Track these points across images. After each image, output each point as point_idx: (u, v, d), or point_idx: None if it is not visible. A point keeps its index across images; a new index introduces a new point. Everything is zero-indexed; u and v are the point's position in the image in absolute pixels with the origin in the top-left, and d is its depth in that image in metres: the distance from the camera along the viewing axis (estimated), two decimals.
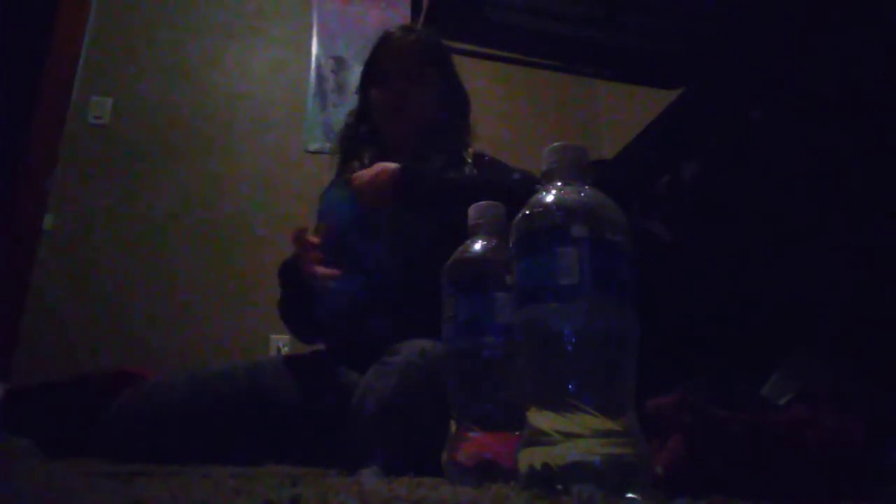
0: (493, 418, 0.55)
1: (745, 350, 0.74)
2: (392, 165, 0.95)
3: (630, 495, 0.39)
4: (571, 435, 0.41)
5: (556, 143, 0.50)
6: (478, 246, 0.61)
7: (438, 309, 0.61)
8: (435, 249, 0.67)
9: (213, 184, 2.52)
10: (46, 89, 2.45)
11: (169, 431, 0.87)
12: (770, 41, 0.92)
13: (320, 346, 1.12)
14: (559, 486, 0.39)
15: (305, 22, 2.81)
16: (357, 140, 1.18)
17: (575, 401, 0.41)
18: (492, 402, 0.56)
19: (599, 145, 2.77)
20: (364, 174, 0.97)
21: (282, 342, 2.33)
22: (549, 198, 0.47)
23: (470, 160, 1.12)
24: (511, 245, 0.49)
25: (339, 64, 2.80)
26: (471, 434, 0.55)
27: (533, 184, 0.58)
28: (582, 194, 0.47)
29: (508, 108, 2.85)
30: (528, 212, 0.48)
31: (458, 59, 1.24)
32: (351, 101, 2.66)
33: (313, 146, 2.65)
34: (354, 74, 2.75)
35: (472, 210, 0.63)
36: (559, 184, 0.48)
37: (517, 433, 0.45)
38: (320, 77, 2.77)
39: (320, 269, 0.92)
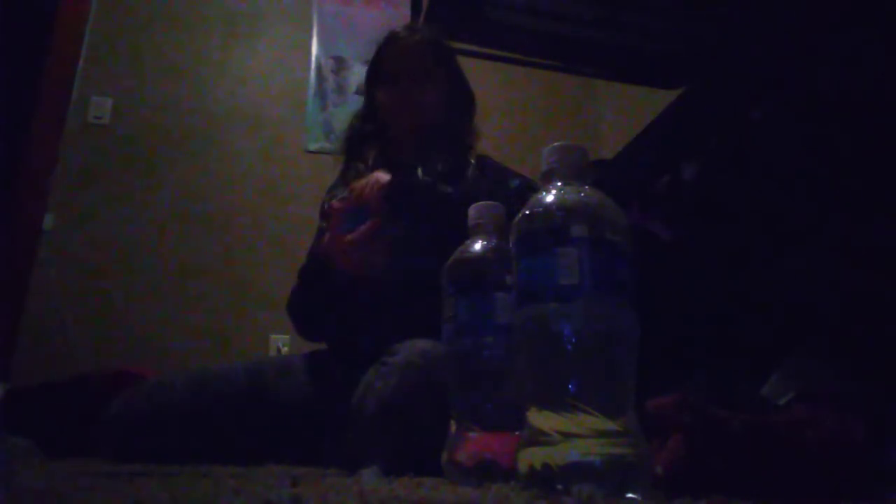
0: (493, 418, 0.55)
1: (745, 350, 0.74)
2: (385, 177, 0.93)
3: (630, 495, 0.39)
4: (571, 435, 0.41)
5: (556, 143, 0.50)
6: (478, 246, 0.61)
7: (438, 309, 0.61)
8: (434, 250, 0.67)
9: (213, 184, 2.52)
10: (46, 89, 2.45)
11: (169, 431, 0.87)
12: (770, 41, 0.92)
13: (321, 346, 1.12)
14: (559, 486, 0.39)
15: (305, 22, 2.82)
16: (362, 140, 1.17)
17: (575, 401, 0.41)
18: (492, 402, 0.56)
19: (599, 145, 2.77)
20: (360, 185, 0.95)
21: (282, 342, 2.33)
22: (549, 198, 0.47)
23: (473, 161, 1.12)
24: (511, 245, 0.49)
25: (339, 64, 2.80)
26: (471, 434, 0.55)
27: (528, 193, 0.58)
28: (582, 194, 0.47)
29: (508, 108, 2.85)
30: (528, 212, 0.48)
31: (458, 59, 1.23)
32: (351, 100, 2.70)
33: (313, 146, 2.65)
34: (354, 74, 2.76)
35: (472, 210, 0.63)
36: (559, 184, 0.48)
37: (517, 433, 0.45)
38: (320, 77, 2.77)
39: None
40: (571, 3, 1.12)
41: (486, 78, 2.65)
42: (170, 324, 2.30)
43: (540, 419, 0.43)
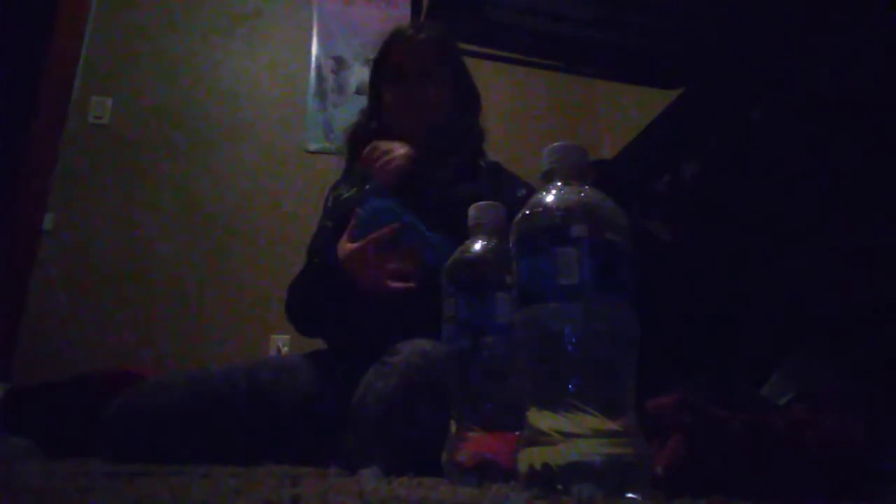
0: (493, 418, 0.55)
1: (745, 350, 0.74)
2: (403, 151, 0.95)
3: (630, 495, 0.39)
4: (571, 435, 0.41)
5: (556, 143, 0.50)
6: (478, 246, 0.61)
7: (439, 309, 0.61)
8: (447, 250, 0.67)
9: (213, 184, 2.52)
10: (46, 89, 2.45)
11: (169, 431, 0.86)
12: (770, 41, 0.92)
13: (321, 346, 1.12)
14: (559, 486, 0.39)
15: (305, 22, 2.82)
16: (366, 138, 1.17)
17: (575, 401, 0.41)
18: (492, 402, 0.56)
19: (599, 145, 2.77)
20: (376, 151, 0.96)
21: (282, 342, 2.33)
22: (549, 198, 0.47)
23: (483, 164, 1.12)
24: (511, 245, 0.49)
25: (339, 64, 2.80)
26: (471, 434, 0.55)
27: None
28: (582, 194, 0.47)
29: (508, 108, 2.85)
30: (528, 212, 0.48)
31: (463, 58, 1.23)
32: (351, 100, 2.70)
33: (313, 146, 2.65)
34: (354, 74, 2.76)
35: (472, 210, 0.63)
36: (559, 184, 0.48)
37: (517, 433, 0.45)
38: (320, 77, 2.77)
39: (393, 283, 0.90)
40: (572, 4, 1.12)
41: (485, 78, 2.66)
42: (169, 324, 2.30)
43: (540, 419, 0.43)
